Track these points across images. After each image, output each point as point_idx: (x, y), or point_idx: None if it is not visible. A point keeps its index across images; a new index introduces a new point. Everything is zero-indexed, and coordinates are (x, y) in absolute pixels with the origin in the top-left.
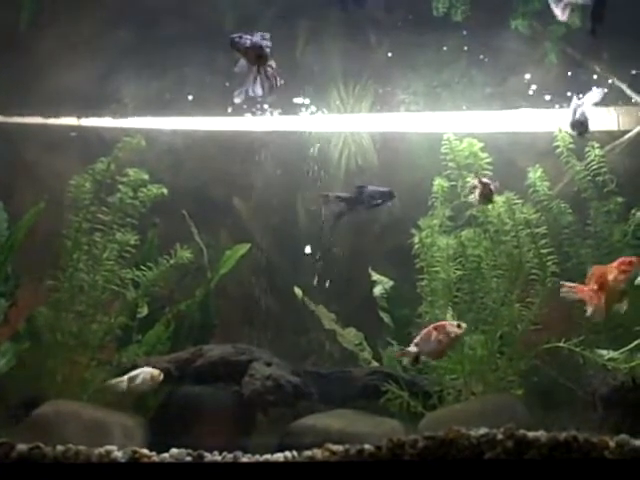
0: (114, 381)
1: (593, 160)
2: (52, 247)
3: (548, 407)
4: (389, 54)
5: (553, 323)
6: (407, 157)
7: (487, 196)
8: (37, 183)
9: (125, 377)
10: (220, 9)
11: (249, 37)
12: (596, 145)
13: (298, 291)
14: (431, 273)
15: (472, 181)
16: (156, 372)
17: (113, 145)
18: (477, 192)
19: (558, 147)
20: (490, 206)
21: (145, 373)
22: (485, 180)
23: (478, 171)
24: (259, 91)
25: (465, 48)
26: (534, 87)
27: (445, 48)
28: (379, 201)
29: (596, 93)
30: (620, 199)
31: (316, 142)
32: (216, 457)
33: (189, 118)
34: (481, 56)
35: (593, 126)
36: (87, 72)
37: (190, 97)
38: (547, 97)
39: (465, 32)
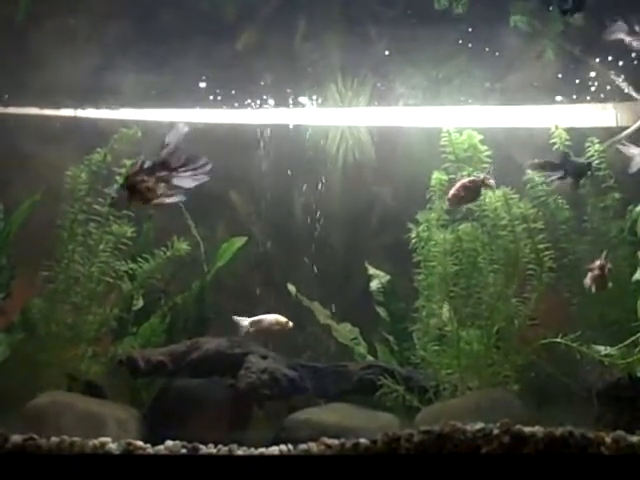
0: (237, 319)
1: (591, 156)
2: (48, 238)
3: (544, 402)
4: (387, 50)
5: (550, 318)
6: (405, 151)
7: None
8: (33, 174)
9: (249, 319)
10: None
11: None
12: (595, 141)
13: (292, 287)
14: (428, 267)
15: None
16: (283, 319)
17: (109, 136)
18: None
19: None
20: (487, 200)
21: (271, 317)
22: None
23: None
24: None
25: (462, 42)
26: (532, 83)
27: (444, 43)
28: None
29: None
30: (617, 195)
31: (314, 135)
32: (211, 450)
33: (187, 110)
34: (481, 50)
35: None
36: (83, 62)
37: (188, 89)
38: (545, 93)
39: (464, 27)
